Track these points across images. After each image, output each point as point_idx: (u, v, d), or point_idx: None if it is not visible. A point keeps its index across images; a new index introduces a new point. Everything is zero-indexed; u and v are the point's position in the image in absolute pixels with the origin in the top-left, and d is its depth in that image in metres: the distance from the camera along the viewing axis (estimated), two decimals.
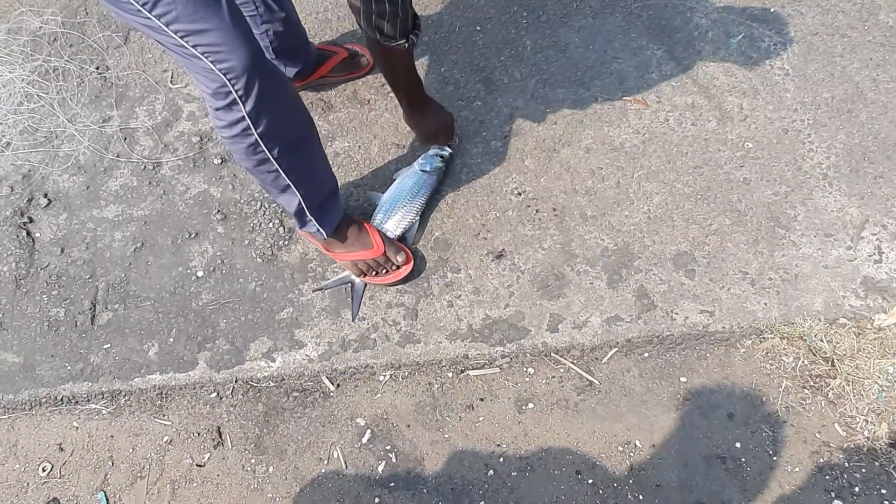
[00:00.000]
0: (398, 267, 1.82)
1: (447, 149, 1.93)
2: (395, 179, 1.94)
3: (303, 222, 1.71)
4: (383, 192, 1.92)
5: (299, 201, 1.61)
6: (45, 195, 2.03)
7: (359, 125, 2.07)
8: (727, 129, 1.98)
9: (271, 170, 1.49)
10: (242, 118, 1.34)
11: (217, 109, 1.34)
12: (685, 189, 1.92)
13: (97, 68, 2.21)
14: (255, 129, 1.36)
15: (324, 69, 2.05)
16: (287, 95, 1.43)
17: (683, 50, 2.10)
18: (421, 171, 1.89)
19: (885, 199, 1.86)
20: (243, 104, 1.31)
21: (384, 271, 1.82)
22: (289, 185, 1.54)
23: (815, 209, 1.86)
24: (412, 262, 1.83)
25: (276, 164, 1.47)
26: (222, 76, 1.25)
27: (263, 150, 1.42)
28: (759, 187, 1.90)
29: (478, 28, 2.20)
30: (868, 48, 2.06)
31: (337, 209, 1.76)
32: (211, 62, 1.23)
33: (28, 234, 1.99)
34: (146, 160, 2.06)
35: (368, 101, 2.10)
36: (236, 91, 1.28)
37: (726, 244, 1.84)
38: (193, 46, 1.21)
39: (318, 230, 1.72)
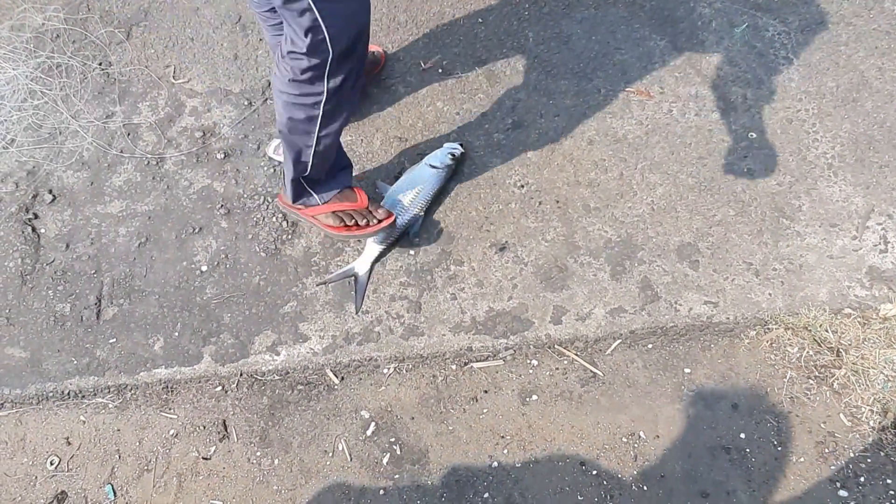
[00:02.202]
0: (379, 221, 1.78)
1: (459, 147, 1.92)
2: (402, 170, 1.94)
3: (298, 192, 1.71)
4: (391, 185, 1.92)
5: (307, 168, 1.61)
6: (50, 191, 2.04)
7: (361, 118, 2.07)
8: (731, 119, 1.97)
9: (308, 143, 1.52)
10: (321, 93, 1.38)
11: (297, 81, 1.35)
12: (689, 180, 1.91)
13: (100, 64, 2.21)
14: (323, 107, 1.41)
15: None
16: (360, 83, 1.47)
17: (687, 40, 2.09)
18: (430, 166, 1.89)
19: (891, 188, 1.85)
20: (327, 82, 1.35)
21: (364, 222, 1.77)
22: (311, 154, 1.57)
23: (819, 199, 1.85)
24: (393, 217, 1.79)
25: (315, 136, 1.50)
26: (330, 50, 1.27)
27: (316, 123, 1.46)
28: (763, 177, 1.89)
29: (480, 20, 2.19)
30: (873, 36, 2.04)
31: (343, 180, 1.76)
32: (329, 35, 1.24)
33: (33, 229, 2.00)
34: (149, 155, 2.07)
35: (371, 96, 2.10)
36: (329, 68, 1.31)
37: (730, 235, 1.83)
38: (323, 17, 1.22)
39: (314, 196, 1.73)
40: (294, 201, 1.76)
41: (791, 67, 2.02)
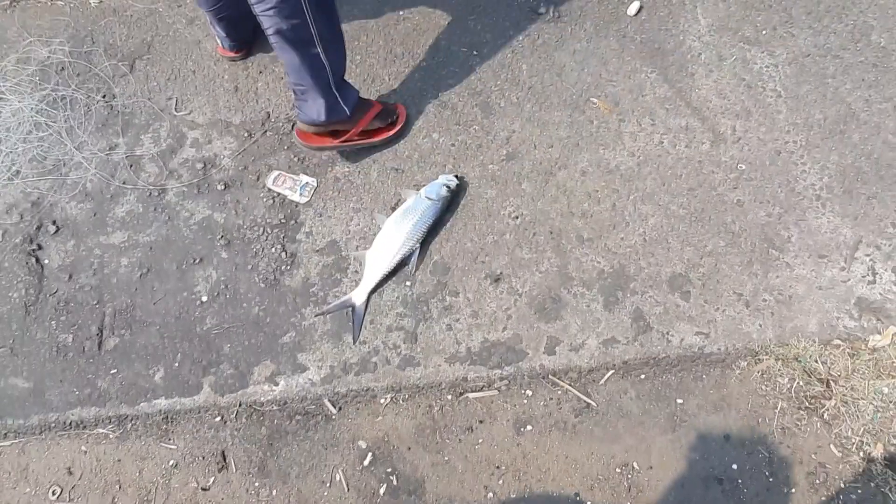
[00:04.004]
0: (395, 120, 2.09)
1: (455, 179, 1.96)
2: (399, 202, 1.98)
3: (331, 103, 1.87)
4: (388, 216, 1.95)
5: (328, 73, 1.78)
6: (54, 222, 2.08)
7: (358, 150, 2.11)
8: (720, 150, 2.01)
9: (307, 37, 1.67)
10: None
11: None
12: (680, 211, 1.94)
13: (104, 96, 2.26)
14: None
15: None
16: None
17: (677, 72, 2.13)
18: (426, 198, 1.92)
19: (879, 219, 1.88)
20: None
21: (389, 122, 2.07)
22: (319, 52, 1.72)
23: (808, 230, 1.88)
24: (404, 113, 2.12)
25: (312, 26, 1.65)
26: None
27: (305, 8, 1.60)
28: (752, 209, 1.92)
29: (474, 52, 2.24)
30: (860, 69, 2.08)
31: (352, 86, 1.94)
32: None
33: (37, 260, 2.03)
34: (151, 187, 2.11)
35: None
36: None
37: (721, 266, 1.86)
38: None
39: (343, 108, 1.90)
40: (328, 117, 1.90)
41: (779, 99, 2.06)
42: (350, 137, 2.01)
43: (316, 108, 1.88)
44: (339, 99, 1.89)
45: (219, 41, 2.23)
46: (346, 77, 1.94)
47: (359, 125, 2.00)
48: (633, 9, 2.23)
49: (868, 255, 1.84)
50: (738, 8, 2.21)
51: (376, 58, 2.25)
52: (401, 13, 2.32)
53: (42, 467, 1.85)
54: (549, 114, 2.12)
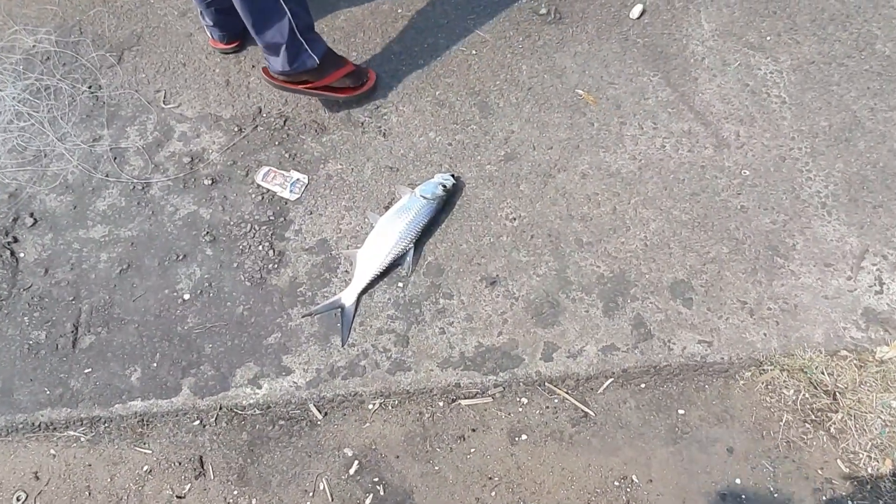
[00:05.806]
0: (365, 82, 2.08)
1: (451, 178, 1.90)
2: (393, 201, 1.92)
3: (295, 51, 1.81)
4: (381, 215, 1.88)
5: (290, 22, 1.74)
6: (31, 214, 1.99)
7: (352, 147, 2.05)
8: (724, 156, 1.96)
9: None
10: None
11: None
12: (682, 216, 1.89)
13: (89, 87, 2.19)
14: None
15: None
16: None
17: (680, 76, 2.09)
18: (421, 196, 1.86)
19: (885, 228, 1.84)
20: None
21: (360, 83, 2.06)
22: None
23: (814, 238, 1.83)
24: (374, 78, 2.11)
25: None
26: None
27: None
28: (756, 215, 1.87)
29: (474, 52, 2.19)
30: (865, 77, 2.05)
31: (321, 39, 1.90)
32: None
33: (12, 253, 1.94)
34: (135, 180, 2.03)
35: (362, 124, 2.08)
36: None
37: (724, 273, 1.81)
38: None
39: (311, 55, 1.85)
40: (292, 65, 1.85)
41: (783, 106, 2.02)
42: (315, 87, 1.97)
43: (281, 57, 1.83)
44: (307, 47, 1.84)
45: (208, 32, 2.17)
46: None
47: (326, 80, 1.96)
48: (635, 12, 2.20)
49: (875, 265, 1.79)
50: (742, 14, 2.18)
51: (373, 56, 2.20)
52: (398, 11, 2.28)
53: (7, 471, 1.74)
54: (548, 115, 2.07)
